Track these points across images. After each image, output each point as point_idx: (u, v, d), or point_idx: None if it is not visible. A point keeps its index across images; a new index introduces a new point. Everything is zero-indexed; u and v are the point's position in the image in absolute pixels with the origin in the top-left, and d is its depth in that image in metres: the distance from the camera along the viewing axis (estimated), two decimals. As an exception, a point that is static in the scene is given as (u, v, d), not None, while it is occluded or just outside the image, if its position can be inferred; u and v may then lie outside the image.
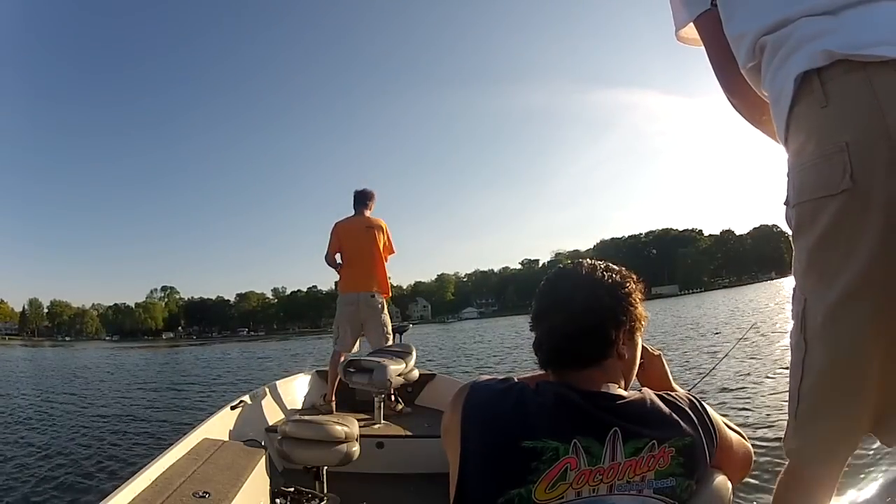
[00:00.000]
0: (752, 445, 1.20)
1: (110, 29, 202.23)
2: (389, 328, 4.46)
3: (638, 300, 1.06)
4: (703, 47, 1.32)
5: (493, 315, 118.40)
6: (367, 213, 4.62)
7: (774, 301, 26.81)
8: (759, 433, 4.49)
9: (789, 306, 1.16)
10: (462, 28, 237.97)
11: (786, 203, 1.13)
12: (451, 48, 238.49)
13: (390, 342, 4.35)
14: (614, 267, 1.09)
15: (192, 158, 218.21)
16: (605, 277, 1.05)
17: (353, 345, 4.46)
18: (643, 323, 1.08)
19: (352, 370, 3.64)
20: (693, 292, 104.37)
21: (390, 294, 4.62)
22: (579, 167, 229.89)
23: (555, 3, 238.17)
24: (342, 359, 4.13)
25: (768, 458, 3.51)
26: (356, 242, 4.50)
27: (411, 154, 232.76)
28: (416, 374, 3.99)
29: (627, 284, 1.06)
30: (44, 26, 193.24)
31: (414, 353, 3.94)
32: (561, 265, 1.14)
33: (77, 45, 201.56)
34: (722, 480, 1.07)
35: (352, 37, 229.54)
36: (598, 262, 1.09)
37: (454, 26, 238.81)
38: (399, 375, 3.66)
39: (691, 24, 1.32)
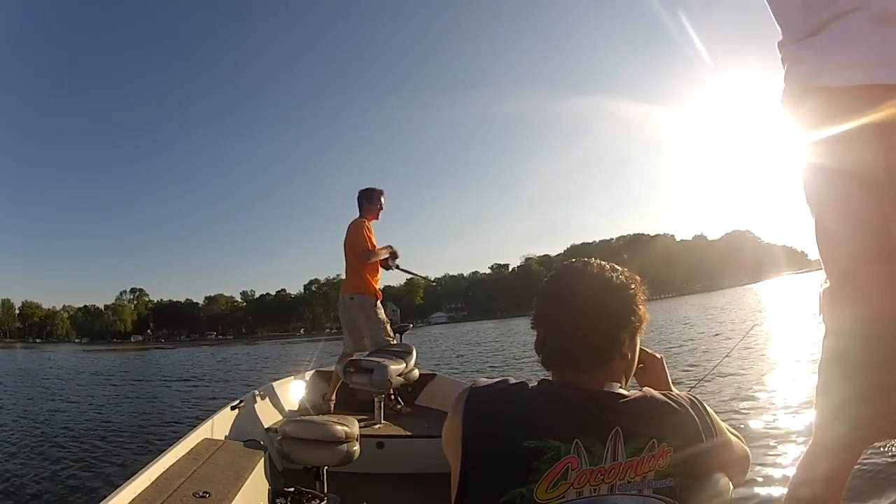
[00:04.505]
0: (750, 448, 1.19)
1: (87, 29, 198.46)
2: (384, 327, 4.38)
3: (642, 301, 1.06)
4: None
5: (462, 320, 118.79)
6: (359, 215, 4.60)
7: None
8: (756, 435, 4.54)
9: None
10: (436, 35, 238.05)
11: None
12: (425, 55, 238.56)
13: (391, 341, 4.30)
14: (619, 267, 1.08)
15: (163, 162, 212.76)
16: (613, 277, 1.05)
17: (355, 345, 4.44)
18: (644, 324, 1.08)
19: (351, 370, 3.61)
20: (665, 297, 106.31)
21: (378, 293, 4.51)
22: (552, 173, 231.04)
23: (529, 11, 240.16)
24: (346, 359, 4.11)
25: (767, 458, 3.55)
26: (344, 246, 4.56)
27: (383, 159, 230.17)
28: (416, 373, 3.99)
29: (633, 285, 1.06)
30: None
31: (414, 353, 3.93)
32: (565, 262, 1.12)
33: (56, 46, 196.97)
34: (723, 481, 1.06)
35: (322, 46, 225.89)
36: (604, 262, 1.09)
37: (429, 34, 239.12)
38: (399, 375, 3.66)
39: None
